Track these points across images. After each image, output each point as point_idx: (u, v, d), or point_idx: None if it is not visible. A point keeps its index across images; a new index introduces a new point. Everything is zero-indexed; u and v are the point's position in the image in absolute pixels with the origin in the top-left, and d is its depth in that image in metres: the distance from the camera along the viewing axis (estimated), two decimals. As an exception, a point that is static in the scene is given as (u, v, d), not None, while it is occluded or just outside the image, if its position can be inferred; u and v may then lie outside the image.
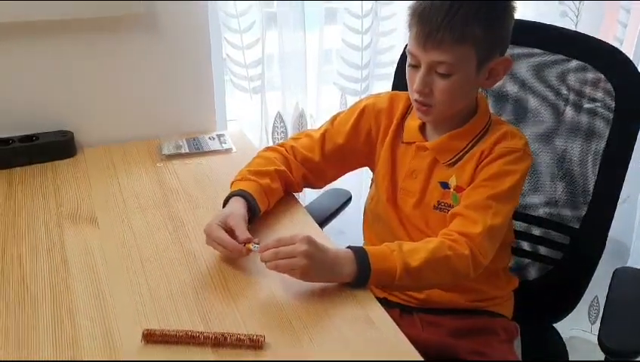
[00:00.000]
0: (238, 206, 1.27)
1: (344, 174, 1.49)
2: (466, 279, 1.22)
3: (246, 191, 1.31)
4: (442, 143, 1.31)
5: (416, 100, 1.26)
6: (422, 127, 1.35)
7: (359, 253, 1.16)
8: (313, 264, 1.12)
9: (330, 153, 1.42)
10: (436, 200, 1.31)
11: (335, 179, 1.50)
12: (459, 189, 1.28)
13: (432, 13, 1.18)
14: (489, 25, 1.20)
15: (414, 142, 1.34)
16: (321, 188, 1.52)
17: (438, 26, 1.17)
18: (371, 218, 1.45)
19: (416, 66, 1.24)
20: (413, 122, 1.36)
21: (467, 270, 1.19)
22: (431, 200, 1.31)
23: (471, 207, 1.23)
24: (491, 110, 1.52)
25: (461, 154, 1.29)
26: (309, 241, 1.13)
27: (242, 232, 1.20)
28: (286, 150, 1.43)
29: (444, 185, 1.30)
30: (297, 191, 1.45)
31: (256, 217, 1.31)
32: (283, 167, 1.39)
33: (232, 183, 1.36)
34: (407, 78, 1.28)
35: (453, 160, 1.30)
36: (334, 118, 1.45)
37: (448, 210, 1.28)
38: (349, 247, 1.18)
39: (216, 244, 1.21)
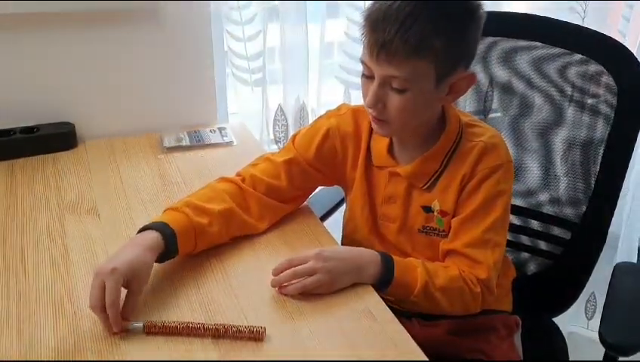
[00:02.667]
0: (149, 255, 1.10)
1: (312, 193, 1.41)
2: (472, 312, 1.22)
3: (170, 227, 1.15)
4: (415, 170, 1.24)
5: (370, 113, 1.19)
6: (390, 149, 1.27)
7: (385, 257, 1.17)
8: (337, 276, 1.13)
9: (297, 178, 1.32)
10: (420, 224, 1.26)
11: (304, 200, 1.39)
12: (443, 214, 1.24)
13: (385, 23, 1.07)
14: (451, 37, 1.09)
15: (386, 167, 1.29)
16: (288, 211, 1.35)
17: (392, 37, 1.06)
18: (350, 243, 1.37)
19: (370, 77, 1.15)
20: (379, 143, 1.28)
21: (476, 306, 1.21)
22: (415, 224, 1.27)
23: (470, 245, 1.20)
24: (496, 104, 1.52)
25: (437, 175, 1.23)
26: (325, 257, 1.13)
27: (131, 307, 1.05)
28: (243, 180, 1.30)
29: (427, 210, 1.25)
30: (256, 232, 1.28)
31: (170, 259, 1.17)
32: (233, 206, 1.25)
33: (165, 209, 1.22)
34: (361, 88, 1.19)
35: (429, 183, 1.24)
36: (294, 139, 1.35)
37: (434, 234, 1.26)
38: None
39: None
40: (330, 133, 1.32)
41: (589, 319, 2.30)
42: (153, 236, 1.13)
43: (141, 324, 1.03)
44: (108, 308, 1.01)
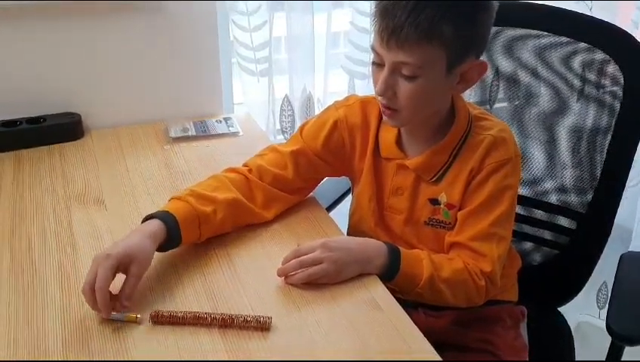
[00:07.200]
0: (150, 241, 1.11)
1: (319, 183, 1.40)
2: (475, 305, 1.23)
3: (172, 216, 1.16)
4: (424, 162, 1.24)
5: (380, 102, 1.19)
6: (398, 141, 1.27)
7: (392, 248, 1.17)
8: (342, 266, 1.13)
9: (304, 169, 1.32)
10: (427, 216, 1.26)
11: (311, 191, 1.39)
12: (450, 206, 1.23)
13: (396, 8, 1.08)
14: (461, 24, 1.10)
15: (394, 159, 1.28)
16: (295, 202, 1.35)
17: (403, 23, 1.07)
18: (356, 234, 1.36)
19: (380, 65, 1.15)
20: (387, 134, 1.28)
21: (479, 299, 1.21)
22: (421, 217, 1.27)
23: (475, 238, 1.20)
24: (502, 94, 1.51)
25: (445, 168, 1.23)
26: (331, 247, 1.13)
27: (127, 292, 1.05)
28: (250, 171, 1.30)
29: (434, 202, 1.25)
30: (263, 220, 1.29)
31: (173, 248, 1.18)
32: (238, 196, 1.25)
33: (170, 198, 1.23)
34: (371, 76, 1.20)
35: (437, 175, 1.24)
36: (302, 129, 1.35)
37: (440, 226, 1.25)
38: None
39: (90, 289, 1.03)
40: (338, 125, 1.31)
41: (600, 308, 2.30)
42: (155, 224, 1.14)
43: (122, 315, 1.04)
44: (96, 292, 1.02)
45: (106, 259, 1.04)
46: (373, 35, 1.15)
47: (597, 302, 2.30)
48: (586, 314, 2.29)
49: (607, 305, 2.16)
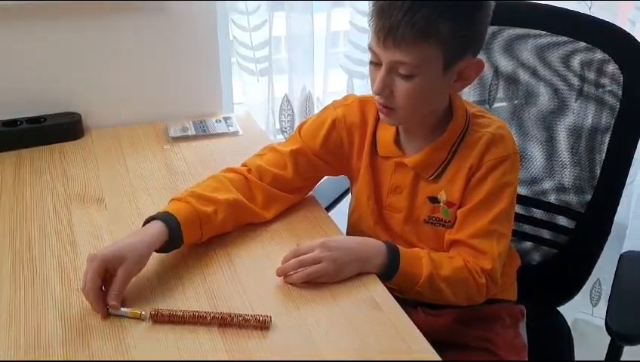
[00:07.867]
0: (145, 242, 1.11)
1: (318, 182, 1.41)
2: (475, 303, 1.23)
3: (174, 217, 1.16)
4: (422, 160, 1.24)
5: (377, 101, 1.19)
6: (396, 139, 1.27)
7: (391, 247, 1.18)
8: (342, 266, 1.13)
9: (303, 168, 1.32)
10: (426, 214, 1.26)
11: (310, 190, 1.39)
12: (449, 204, 1.23)
13: (392, 8, 1.08)
14: (458, 22, 1.09)
15: (392, 157, 1.28)
16: (294, 202, 1.36)
17: (399, 22, 1.07)
18: (355, 233, 1.36)
19: (377, 64, 1.15)
20: (385, 133, 1.28)
21: (480, 297, 1.21)
22: (421, 215, 1.27)
23: (475, 235, 1.20)
24: (501, 93, 1.51)
25: (443, 165, 1.23)
26: (331, 247, 1.14)
27: (114, 292, 1.05)
28: (249, 171, 1.30)
29: (434, 200, 1.25)
30: (263, 220, 1.29)
31: (176, 248, 1.18)
32: (238, 196, 1.25)
33: (170, 200, 1.23)
34: (369, 75, 1.20)
35: (436, 173, 1.24)
36: (301, 129, 1.35)
37: (440, 224, 1.25)
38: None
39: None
40: (337, 124, 1.32)
41: (594, 306, 2.30)
42: (157, 226, 1.14)
43: (122, 311, 1.04)
44: (87, 294, 1.04)
45: (91, 261, 1.05)
46: (369, 35, 1.15)
47: (591, 300, 2.30)
48: (579, 311, 2.29)
49: (600, 302, 2.19)
